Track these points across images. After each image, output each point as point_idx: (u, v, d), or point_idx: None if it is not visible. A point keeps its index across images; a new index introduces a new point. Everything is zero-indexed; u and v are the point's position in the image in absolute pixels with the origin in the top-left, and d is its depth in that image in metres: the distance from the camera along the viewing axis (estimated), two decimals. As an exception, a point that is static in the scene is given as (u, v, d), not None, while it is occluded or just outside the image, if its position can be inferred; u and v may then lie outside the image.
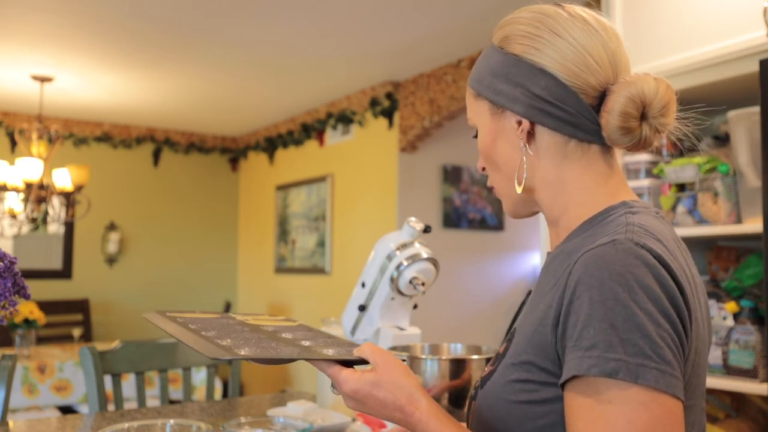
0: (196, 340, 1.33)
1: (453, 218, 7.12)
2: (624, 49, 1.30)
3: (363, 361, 1.28)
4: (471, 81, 1.40)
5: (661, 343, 1.04)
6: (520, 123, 1.30)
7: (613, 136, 1.24)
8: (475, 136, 1.41)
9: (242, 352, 1.25)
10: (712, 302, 2.86)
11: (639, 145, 1.25)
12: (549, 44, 1.26)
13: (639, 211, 1.23)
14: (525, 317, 1.26)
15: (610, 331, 1.03)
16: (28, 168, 6.25)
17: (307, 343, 1.41)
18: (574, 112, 1.25)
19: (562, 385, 1.10)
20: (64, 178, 6.41)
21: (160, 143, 9.11)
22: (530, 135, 1.30)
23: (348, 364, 1.28)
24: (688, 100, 3.16)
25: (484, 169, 1.41)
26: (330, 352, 1.32)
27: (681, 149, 3.14)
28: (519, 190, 1.31)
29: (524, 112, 1.28)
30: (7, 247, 7.92)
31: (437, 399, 1.74)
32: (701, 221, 2.91)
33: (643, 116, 1.22)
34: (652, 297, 1.05)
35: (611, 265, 1.07)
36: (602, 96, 1.25)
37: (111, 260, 8.76)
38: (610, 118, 1.22)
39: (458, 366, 1.75)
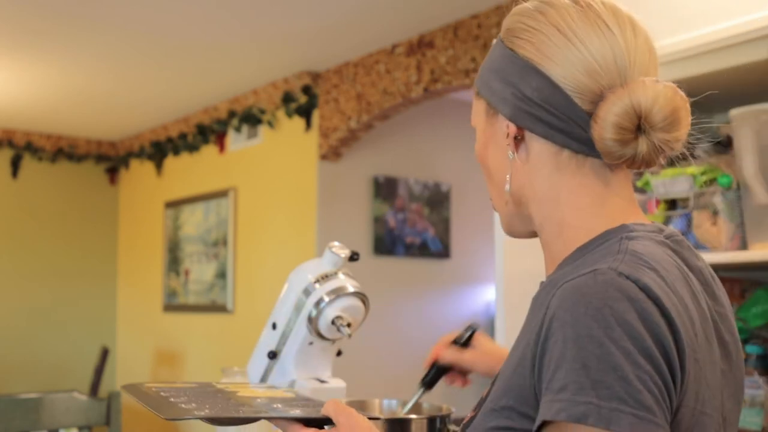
0: (154, 401, 1.50)
1: (386, 243, 7.19)
2: (646, 47, 1.37)
3: (329, 421, 1.41)
4: (476, 77, 1.51)
5: (640, 386, 1.11)
6: (508, 127, 1.41)
7: (605, 150, 1.31)
8: None
9: (200, 413, 1.41)
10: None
11: (635, 162, 1.32)
12: (548, 41, 1.36)
13: (638, 236, 1.30)
14: (508, 358, 1.34)
15: (581, 371, 1.12)
16: None
17: (277, 406, 1.57)
18: (565, 118, 1.34)
19: None
20: None
21: (20, 149, 9.13)
22: (520, 141, 1.40)
23: (315, 423, 1.43)
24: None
25: None
26: (297, 412, 1.48)
27: (671, 157, 3.12)
28: (505, 201, 1.46)
29: (511, 114, 1.39)
30: None
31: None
32: (697, 246, 2.92)
33: (640, 129, 1.29)
34: (632, 334, 1.13)
35: (588, 298, 1.16)
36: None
37: (-46, 295, 8.76)
38: (601, 129, 1.29)
39: (395, 428, 1.75)
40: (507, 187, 1.43)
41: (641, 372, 1.11)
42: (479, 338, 2.06)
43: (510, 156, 1.41)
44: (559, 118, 1.33)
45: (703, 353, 1.23)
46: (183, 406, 1.48)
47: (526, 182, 1.41)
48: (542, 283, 1.39)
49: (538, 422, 1.16)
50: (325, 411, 1.40)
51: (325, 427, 1.43)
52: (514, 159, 1.40)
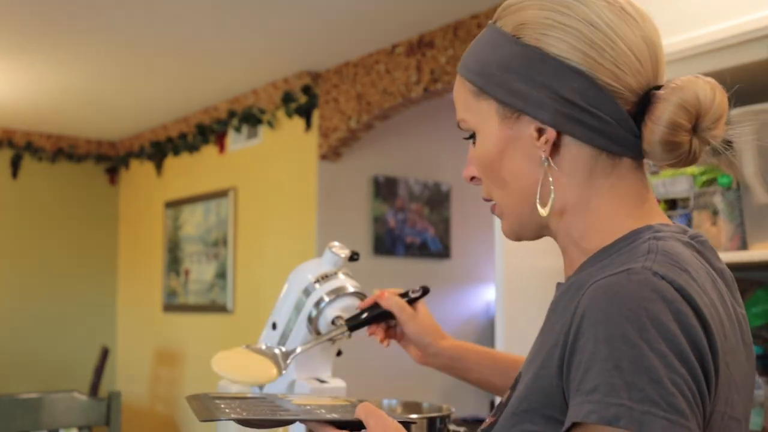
0: (202, 405, 1.51)
1: (386, 243, 7.17)
2: (660, 42, 1.34)
3: (360, 424, 1.39)
4: (468, 73, 1.41)
5: (674, 389, 1.09)
6: (540, 132, 1.32)
7: (657, 150, 1.28)
8: (467, 138, 1.44)
9: (233, 415, 1.42)
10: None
11: (684, 161, 1.29)
12: (581, 37, 1.29)
13: (665, 236, 1.26)
14: (529, 360, 1.33)
15: (614, 372, 1.10)
16: None
17: (321, 411, 1.55)
18: (610, 120, 1.28)
19: None
20: None
21: (20, 149, 9.09)
22: (554, 146, 1.32)
23: (347, 426, 1.42)
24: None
25: (473, 179, 1.47)
26: (333, 416, 1.46)
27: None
28: (544, 213, 1.34)
29: (551, 119, 1.30)
30: None
31: None
32: (698, 246, 2.88)
33: (694, 128, 1.26)
34: (667, 336, 1.11)
35: (622, 298, 1.13)
36: (641, 101, 1.29)
37: (-46, 294, 8.73)
38: (657, 128, 1.26)
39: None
40: (552, 196, 1.33)
41: (676, 375, 1.09)
42: (422, 304, 2.03)
43: (544, 163, 1.32)
44: (604, 121, 1.28)
45: (733, 356, 1.22)
46: (225, 410, 1.48)
47: (557, 188, 1.33)
48: (559, 284, 1.37)
49: (567, 424, 1.14)
50: (357, 413, 1.38)
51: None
52: (550, 166, 1.32)
